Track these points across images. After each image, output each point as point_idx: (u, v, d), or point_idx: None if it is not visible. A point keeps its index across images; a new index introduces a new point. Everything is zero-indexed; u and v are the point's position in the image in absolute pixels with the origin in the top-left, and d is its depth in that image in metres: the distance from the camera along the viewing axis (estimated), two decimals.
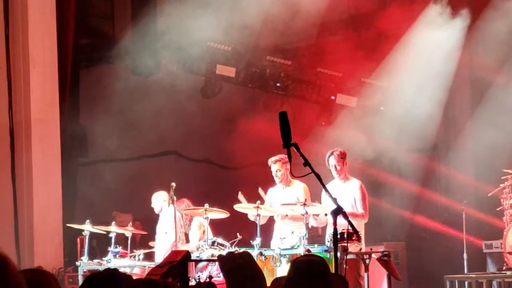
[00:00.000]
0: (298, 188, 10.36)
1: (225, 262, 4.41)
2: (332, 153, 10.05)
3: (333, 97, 17.12)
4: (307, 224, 9.42)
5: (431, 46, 15.16)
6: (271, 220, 10.63)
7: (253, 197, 10.19)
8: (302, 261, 4.70)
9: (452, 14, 15.00)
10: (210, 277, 8.43)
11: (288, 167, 10.17)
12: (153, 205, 11.59)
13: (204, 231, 10.59)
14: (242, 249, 9.71)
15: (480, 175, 15.42)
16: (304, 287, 4.36)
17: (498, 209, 13.71)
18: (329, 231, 9.57)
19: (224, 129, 16.09)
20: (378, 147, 16.14)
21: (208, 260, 9.52)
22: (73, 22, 14.24)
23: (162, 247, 11.30)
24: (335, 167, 10.01)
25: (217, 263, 8.24)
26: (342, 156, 10.05)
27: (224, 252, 9.71)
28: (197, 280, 8.31)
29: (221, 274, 4.68)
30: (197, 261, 9.41)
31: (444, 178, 17.43)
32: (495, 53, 15.26)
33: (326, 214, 9.49)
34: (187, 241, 11.53)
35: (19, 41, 13.22)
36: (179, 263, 5.90)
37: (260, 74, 16.24)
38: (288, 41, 15.52)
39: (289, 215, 10.20)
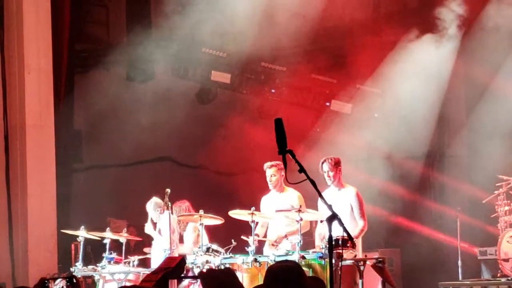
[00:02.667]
0: (293, 196, 10.36)
1: (207, 279, 4.41)
2: (325, 160, 10.06)
3: (327, 104, 17.13)
4: (301, 232, 9.42)
5: (426, 53, 15.17)
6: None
7: (248, 204, 10.18)
8: (277, 267, 4.73)
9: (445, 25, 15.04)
10: None
11: (283, 173, 10.21)
12: (150, 215, 11.55)
13: (198, 235, 10.60)
14: (240, 254, 9.71)
15: (475, 181, 15.43)
16: None
17: (492, 216, 13.72)
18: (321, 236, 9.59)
19: (219, 135, 16.09)
20: (373, 154, 16.15)
21: (190, 277, 9.50)
22: (68, 28, 14.26)
23: (158, 253, 11.28)
24: (328, 174, 10.01)
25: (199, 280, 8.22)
26: (336, 164, 10.04)
27: (217, 259, 9.71)
28: None
29: None
30: (178, 279, 9.37)
31: (439, 185, 17.44)
32: (489, 60, 15.29)
33: (321, 221, 9.49)
34: (181, 242, 11.51)
35: (14, 46, 13.22)
36: (173, 270, 5.90)
37: (255, 80, 16.25)
38: (283, 47, 15.53)
39: (288, 233, 10.18)
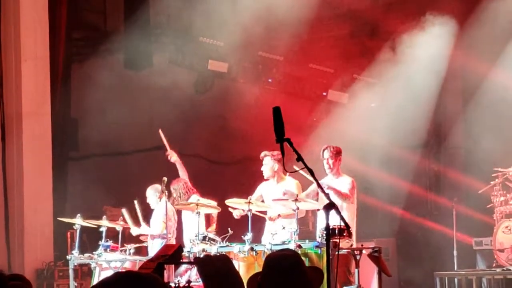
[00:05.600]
0: (291, 184, 10.38)
1: (203, 266, 4.42)
2: (327, 147, 10.14)
3: (324, 93, 17.14)
4: (298, 220, 9.44)
5: (423, 44, 15.17)
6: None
7: (245, 193, 10.19)
8: (275, 256, 4.73)
9: (443, 16, 15.03)
10: (189, 281, 8.43)
11: (275, 163, 10.29)
12: (148, 200, 11.56)
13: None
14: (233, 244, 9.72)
15: (471, 172, 15.45)
16: (278, 281, 4.38)
17: (488, 206, 13.74)
18: (320, 226, 9.59)
19: (215, 124, 16.08)
20: (369, 144, 16.15)
21: (186, 263, 9.51)
22: (65, 15, 14.23)
23: (154, 241, 11.29)
24: (327, 161, 10.07)
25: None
26: (337, 153, 10.11)
27: (213, 248, 9.72)
28: (176, 284, 8.31)
29: (200, 279, 4.71)
30: (176, 264, 9.38)
31: (435, 175, 17.47)
32: (487, 51, 15.29)
33: (318, 210, 9.51)
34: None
35: (11, 34, 13.20)
36: (170, 257, 5.89)
37: (252, 70, 16.24)
38: (281, 36, 15.51)
39: (282, 214, 10.21)
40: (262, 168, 10.53)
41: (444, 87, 16.11)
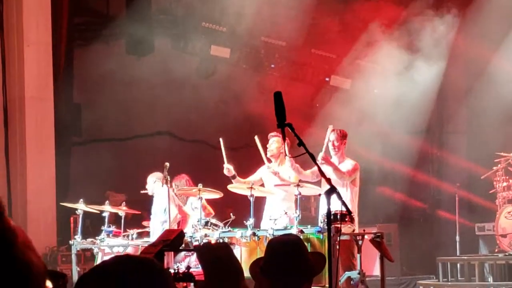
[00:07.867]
0: (290, 169, 10.39)
1: (204, 253, 4.44)
2: (334, 130, 10.11)
3: (327, 79, 17.12)
4: (300, 205, 9.45)
5: (426, 29, 15.15)
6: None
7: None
8: (278, 241, 4.75)
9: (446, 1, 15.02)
10: (188, 267, 8.46)
11: (283, 145, 10.28)
12: (147, 186, 11.56)
13: (206, 209, 10.70)
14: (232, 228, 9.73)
15: (473, 157, 15.46)
16: (281, 266, 4.40)
17: (491, 191, 13.75)
18: (322, 212, 9.60)
19: (218, 109, 16.07)
20: (372, 129, 16.14)
21: (186, 250, 9.52)
22: (68, 0, 14.21)
23: (157, 227, 11.30)
24: (333, 143, 10.04)
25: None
26: (342, 136, 10.10)
27: (215, 233, 9.74)
28: (176, 270, 8.37)
29: (199, 265, 4.73)
30: (176, 251, 9.39)
31: (437, 161, 17.47)
32: (490, 37, 15.27)
33: (320, 195, 9.49)
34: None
35: (13, 19, 13.19)
36: (172, 242, 5.91)
37: (254, 55, 16.22)
38: (283, 22, 15.49)
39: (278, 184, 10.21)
40: (270, 146, 10.49)
41: (447, 73, 16.09)
